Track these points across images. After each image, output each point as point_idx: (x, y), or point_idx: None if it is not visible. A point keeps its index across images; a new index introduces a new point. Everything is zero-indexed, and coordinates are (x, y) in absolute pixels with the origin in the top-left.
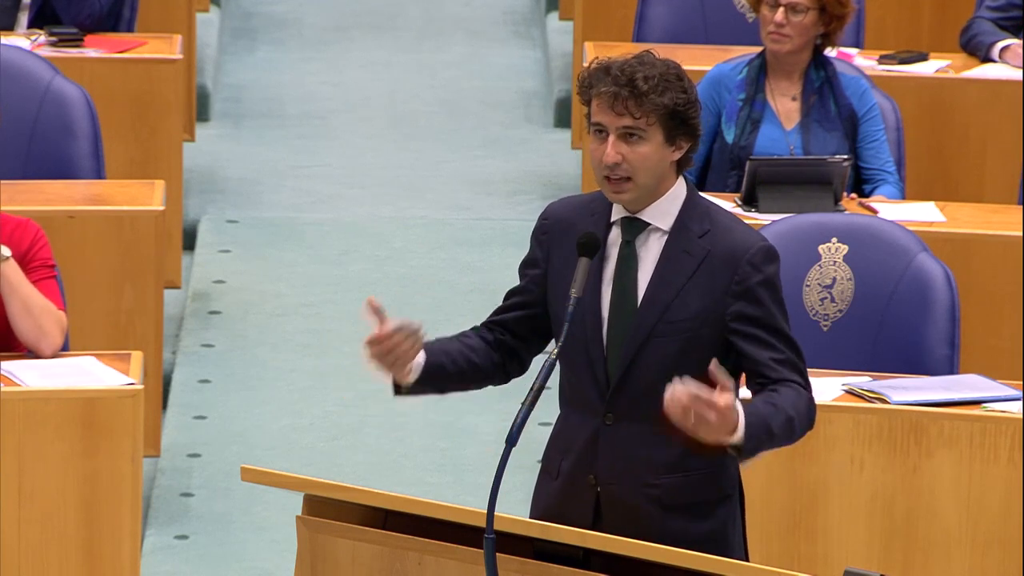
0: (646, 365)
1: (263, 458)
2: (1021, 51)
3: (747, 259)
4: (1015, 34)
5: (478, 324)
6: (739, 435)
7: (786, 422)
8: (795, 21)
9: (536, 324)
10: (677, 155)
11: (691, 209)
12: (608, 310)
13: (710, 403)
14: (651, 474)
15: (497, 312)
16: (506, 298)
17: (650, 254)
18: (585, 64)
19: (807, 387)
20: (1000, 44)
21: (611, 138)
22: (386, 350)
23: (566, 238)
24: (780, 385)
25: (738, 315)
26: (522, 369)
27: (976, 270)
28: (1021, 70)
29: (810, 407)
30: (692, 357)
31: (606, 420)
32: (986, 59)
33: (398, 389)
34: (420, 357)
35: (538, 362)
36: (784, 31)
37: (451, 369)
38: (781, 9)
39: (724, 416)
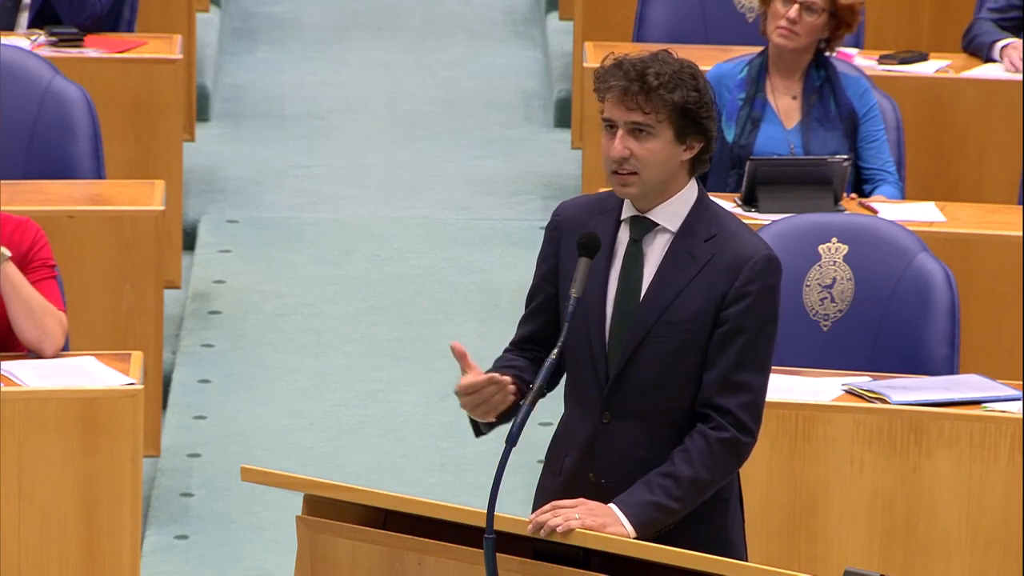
0: (643, 364)
1: (263, 458)
2: (1021, 49)
3: (749, 266)
4: (1016, 35)
5: (509, 344)
6: (626, 525)
7: (690, 485)
8: (807, 20)
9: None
10: (688, 155)
11: (700, 213)
12: (612, 308)
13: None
14: (647, 473)
15: (522, 325)
16: (528, 304)
17: (655, 254)
18: (585, 64)
19: (736, 422)
20: (1000, 43)
21: (620, 132)
22: (478, 400)
23: (575, 235)
24: (696, 432)
25: (725, 319)
26: (559, 377)
27: (976, 270)
28: (1020, 70)
29: (729, 450)
30: (688, 359)
31: (603, 418)
32: (988, 59)
33: (477, 430)
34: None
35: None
36: (795, 28)
37: (519, 398)
38: (795, 6)
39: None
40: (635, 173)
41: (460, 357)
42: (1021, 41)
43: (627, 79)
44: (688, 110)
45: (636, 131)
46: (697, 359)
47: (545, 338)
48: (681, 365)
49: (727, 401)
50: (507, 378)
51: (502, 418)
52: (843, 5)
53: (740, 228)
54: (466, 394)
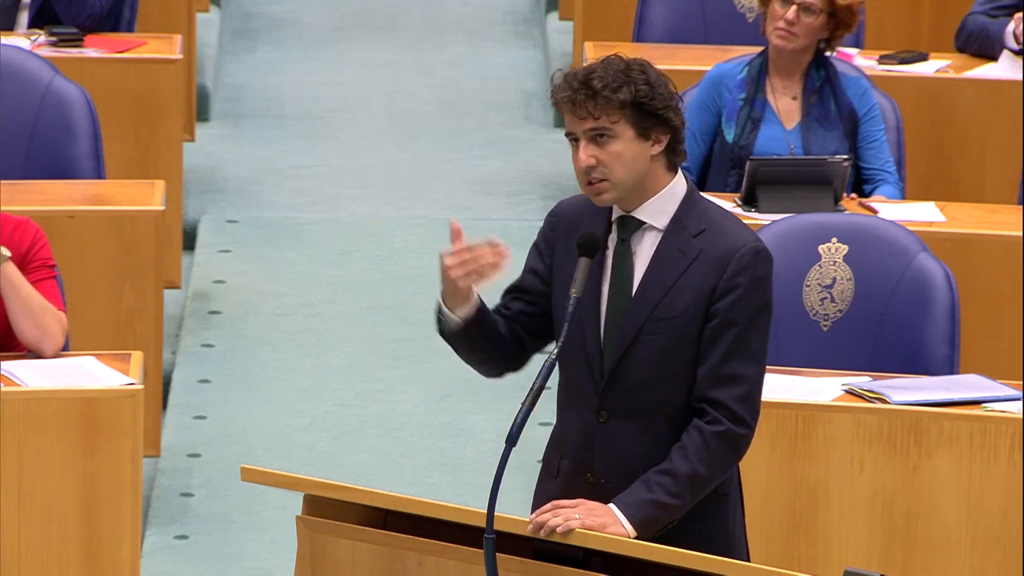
0: (636, 361)
1: (263, 458)
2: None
3: (737, 259)
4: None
5: None
6: (626, 525)
7: (688, 482)
8: (805, 21)
9: (540, 321)
10: (656, 149)
11: (688, 208)
12: (605, 307)
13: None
14: (646, 471)
15: (501, 307)
16: (504, 295)
17: (645, 252)
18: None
19: (731, 415)
20: (1008, 29)
21: (582, 143)
22: (468, 262)
23: (571, 236)
24: (692, 427)
25: (716, 312)
26: (519, 365)
27: (976, 270)
28: None
29: (725, 444)
30: (681, 354)
31: (600, 417)
32: (1002, 48)
33: (443, 326)
34: (476, 295)
35: (536, 362)
36: (793, 29)
37: (489, 324)
38: (793, 7)
39: (569, 511)
40: (605, 180)
41: (456, 235)
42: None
43: (571, 89)
44: (641, 104)
45: (596, 137)
46: (690, 354)
47: (525, 324)
48: (675, 361)
49: (720, 394)
50: (502, 243)
51: (473, 325)
52: (841, 5)
53: (729, 221)
54: (458, 256)
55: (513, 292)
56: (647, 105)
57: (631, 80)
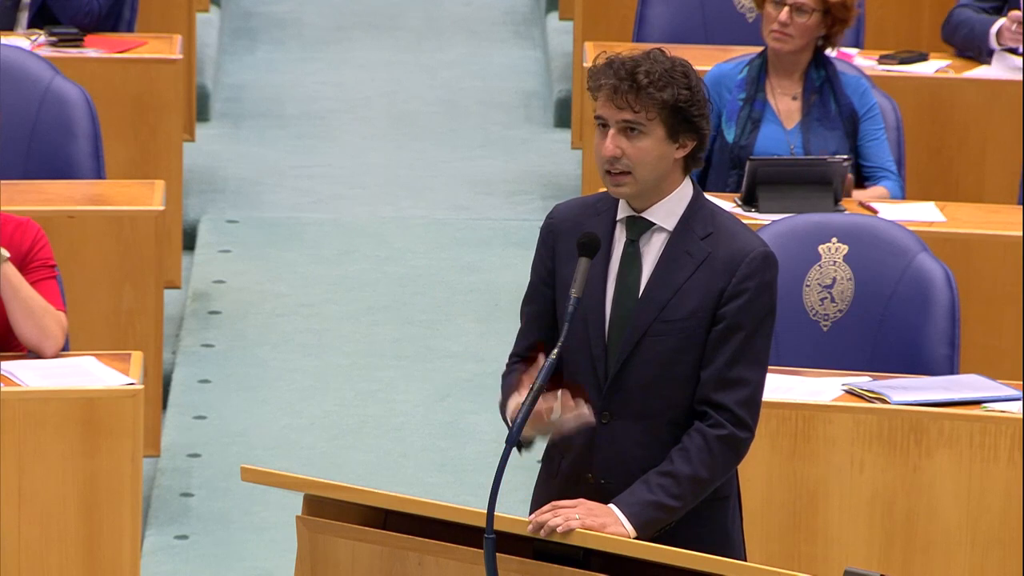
0: (641, 362)
1: (263, 458)
2: (1020, 22)
3: (746, 263)
4: (998, 14)
5: (513, 355)
6: (626, 525)
7: (689, 484)
8: (799, 21)
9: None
10: (681, 153)
11: (696, 211)
12: (611, 308)
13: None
14: (646, 472)
15: (525, 335)
16: (524, 311)
17: (652, 253)
18: (585, 64)
19: (734, 419)
20: (993, 29)
21: (611, 131)
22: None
23: (571, 237)
24: (694, 430)
25: (723, 316)
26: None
27: (976, 270)
28: (1021, 48)
29: (727, 447)
30: (686, 357)
31: (602, 418)
32: (989, 52)
33: (519, 446)
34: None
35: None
36: (787, 30)
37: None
38: (786, 8)
39: (569, 510)
40: (628, 173)
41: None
42: (1014, 12)
43: (617, 78)
44: (679, 108)
45: (627, 130)
46: (695, 357)
47: (552, 345)
48: (680, 363)
49: (724, 398)
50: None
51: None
52: (835, 2)
53: (736, 225)
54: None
55: (529, 307)
56: (684, 110)
57: (674, 81)
